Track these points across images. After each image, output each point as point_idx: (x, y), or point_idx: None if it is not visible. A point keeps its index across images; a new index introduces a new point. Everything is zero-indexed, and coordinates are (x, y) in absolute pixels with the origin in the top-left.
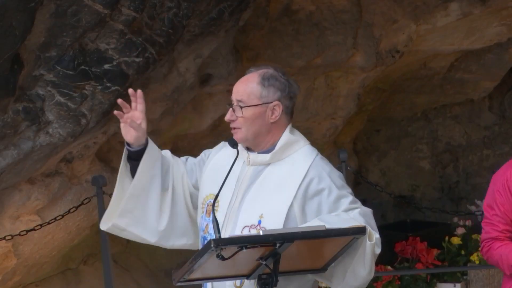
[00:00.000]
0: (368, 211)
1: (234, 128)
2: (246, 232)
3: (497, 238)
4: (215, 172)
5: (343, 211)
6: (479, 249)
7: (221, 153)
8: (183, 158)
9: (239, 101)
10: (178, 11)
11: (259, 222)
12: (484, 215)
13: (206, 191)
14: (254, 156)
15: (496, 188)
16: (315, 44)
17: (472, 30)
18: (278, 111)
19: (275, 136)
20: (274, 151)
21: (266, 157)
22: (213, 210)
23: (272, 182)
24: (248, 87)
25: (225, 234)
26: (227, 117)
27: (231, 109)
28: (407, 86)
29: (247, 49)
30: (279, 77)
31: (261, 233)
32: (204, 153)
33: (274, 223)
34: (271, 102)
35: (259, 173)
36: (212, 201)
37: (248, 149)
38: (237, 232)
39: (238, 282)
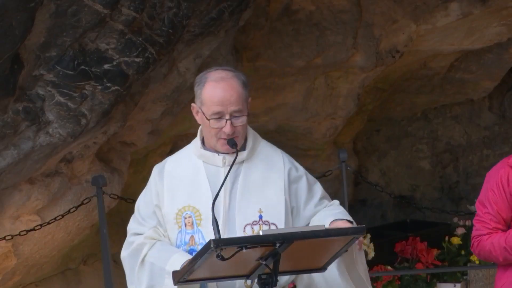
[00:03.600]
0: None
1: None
2: (249, 230)
3: (487, 235)
4: (180, 184)
5: (320, 198)
6: (470, 246)
7: (172, 167)
8: (153, 229)
9: (236, 111)
10: (178, 11)
11: (260, 217)
12: (476, 212)
13: (178, 204)
14: (230, 157)
15: (489, 186)
16: (315, 44)
17: (472, 30)
18: (249, 107)
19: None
20: (249, 148)
21: (243, 154)
22: (213, 211)
23: (256, 178)
24: (240, 96)
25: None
26: (230, 131)
27: (229, 122)
28: (407, 86)
29: (247, 49)
30: None
31: (261, 233)
32: (150, 190)
33: (274, 214)
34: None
35: (236, 172)
36: (189, 212)
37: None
38: (239, 232)
39: (249, 281)
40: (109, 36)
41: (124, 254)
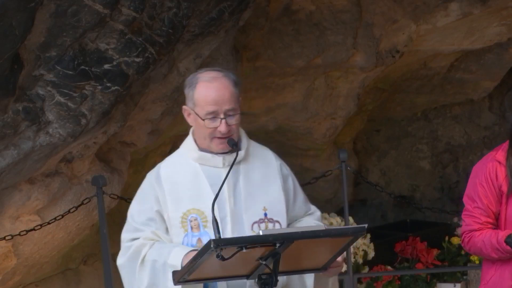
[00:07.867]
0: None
1: (226, 138)
2: (256, 228)
3: (479, 230)
4: (180, 188)
5: (304, 200)
6: (460, 241)
7: (168, 172)
8: (151, 232)
9: (230, 110)
10: (178, 11)
11: (265, 214)
12: (464, 207)
13: (182, 208)
14: (230, 157)
15: (478, 181)
16: (315, 44)
17: (472, 30)
18: (240, 105)
19: None
20: (245, 147)
21: (241, 154)
22: (213, 211)
23: (256, 176)
24: (233, 95)
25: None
26: (225, 130)
27: (224, 121)
28: (407, 86)
29: (247, 49)
30: None
31: (261, 233)
32: (150, 195)
33: (277, 211)
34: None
35: (236, 172)
36: (194, 215)
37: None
38: (247, 231)
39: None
40: (109, 36)
41: (122, 260)
